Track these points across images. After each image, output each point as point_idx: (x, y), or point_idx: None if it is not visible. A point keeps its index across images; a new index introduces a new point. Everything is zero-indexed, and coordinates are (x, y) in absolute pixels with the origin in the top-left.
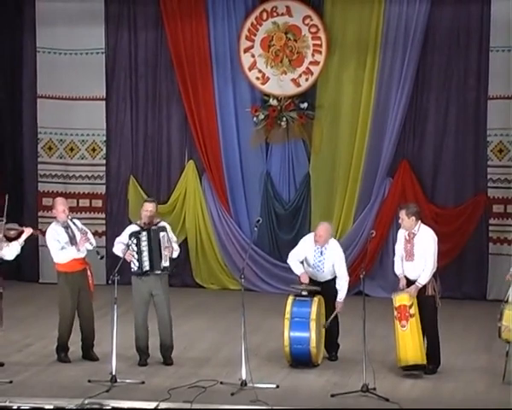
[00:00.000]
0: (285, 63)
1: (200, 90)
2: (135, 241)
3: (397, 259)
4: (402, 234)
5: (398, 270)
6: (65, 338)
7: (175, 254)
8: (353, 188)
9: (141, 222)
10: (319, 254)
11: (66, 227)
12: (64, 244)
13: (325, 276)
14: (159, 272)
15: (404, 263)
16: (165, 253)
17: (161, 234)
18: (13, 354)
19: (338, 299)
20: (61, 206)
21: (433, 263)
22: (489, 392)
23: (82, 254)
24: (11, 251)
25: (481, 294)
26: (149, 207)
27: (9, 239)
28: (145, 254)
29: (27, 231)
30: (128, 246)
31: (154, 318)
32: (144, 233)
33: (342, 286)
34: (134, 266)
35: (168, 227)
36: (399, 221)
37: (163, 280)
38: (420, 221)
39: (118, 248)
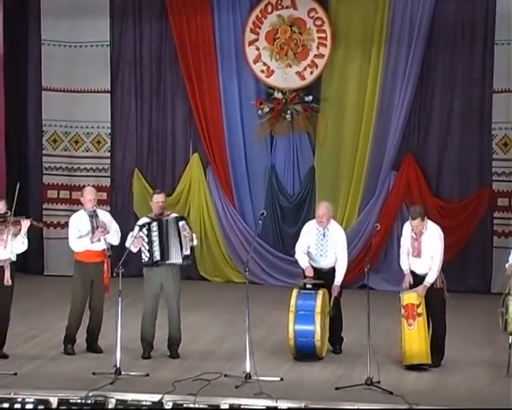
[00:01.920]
0: (290, 56)
1: (204, 83)
2: (145, 232)
3: (403, 253)
4: (408, 228)
5: (404, 265)
6: (73, 328)
7: (195, 242)
8: (358, 181)
9: (152, 214)
10: (322, 237)
11: (92, 216)
12: (84, 233)
13: (328, 262)
14: (179, 261)
15: (411, 258)
16: (185, 236)
17: (180, 223)
18: (18, 347)
19: (335, 282)
20: (88, 195)
21: (440, 261)
22: (493, 385)
23: (99, 247)
24: (16, 245)
25: (486, 287)
26: (160, 199)
27: (18, 232)
28: (156, 245)
29: (25, 224)
30: (140, 236)
31: (162, 311)
32: (155, 224)
33: (340, 269)
34: (145, 256)
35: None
36: (415, 229)
37: (174, 272)
38: (426, 217)
39: (129, 242)
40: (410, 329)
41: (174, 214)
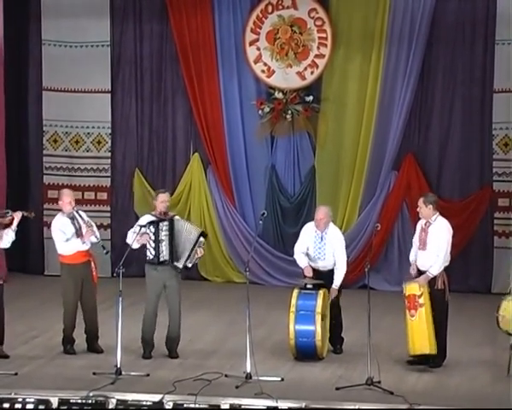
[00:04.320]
0: (290, 56)
1: (205, 83)
2: (153, 229)
3: (413, 248)
4: (419, 224)
5: (411, 257)
6: (69, 330)
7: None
8: (358, 181)
9: (156, 213)
10: (320, 240)
11: (72, 218)
12: (70, 236)
13: (327, 264)
14: (180, 266)
15: (418, 252)
16: (197, 253)
17: (201, 239)
18: (18, 347)
19: (333, 286)
20: (67, 197)
21: (446, 255)
22: (494, 385)
23: (86, 247)
24: (6, 239)
25: (486, 287)
26: (166, 198)
27: (5, 226)
28: (164, 244)
29: (17, 216)
30: (146, 233)
31: (161, 310)
32: (166, 223)
33: (339, 272)
34: (150, 254)
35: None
36: (417, 209)
37: (177, 272)
38: (438, 212)
39: (131, 237)
40: (412, 320)
41: (176, 218)
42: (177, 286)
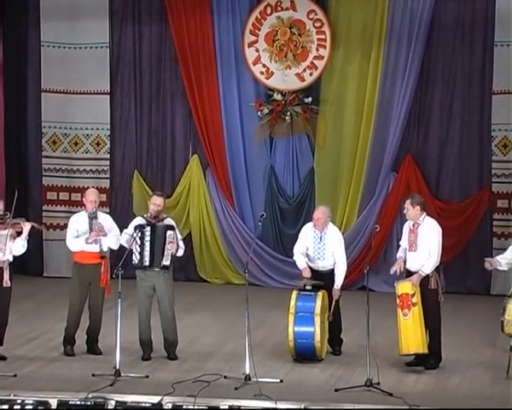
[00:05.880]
0: (289, 58)
1: (204, 85)
2: (139, 234)
3: (400, 250)
4: (407, 226)
5: (399, 254)
6: (71, 329)
7: (180, 253)
8: (357, 182)
9: (147, 215)
10: (319, 241)
11: (91, 218)
12: (81, 234)
13: (326, 264)
14: (157, 269)
15: (408, 254)
16: (168, 249)
17: (168, 232)
18: (17, 348)
19: (335, 286)
20: (90, 196)
21: (437, 254)
22: (493, 386)
23: (96, 248)
24: (16, 247)
25: (485, 289)
26: (157, 201)
27: (17, 233)
28: (147, 249)
29: (27, 227)
30: (133, 237)
31: (157, 312)
32: (149, 228)
33: (339, 272)
34: (135, 258)
35: (175, 225)
36: (404, 211)
37: (166, 275)
38: (425, 213)
39: (123, 239)
40: (406, 319)
41: (168, 221)
42: (166, 291)
